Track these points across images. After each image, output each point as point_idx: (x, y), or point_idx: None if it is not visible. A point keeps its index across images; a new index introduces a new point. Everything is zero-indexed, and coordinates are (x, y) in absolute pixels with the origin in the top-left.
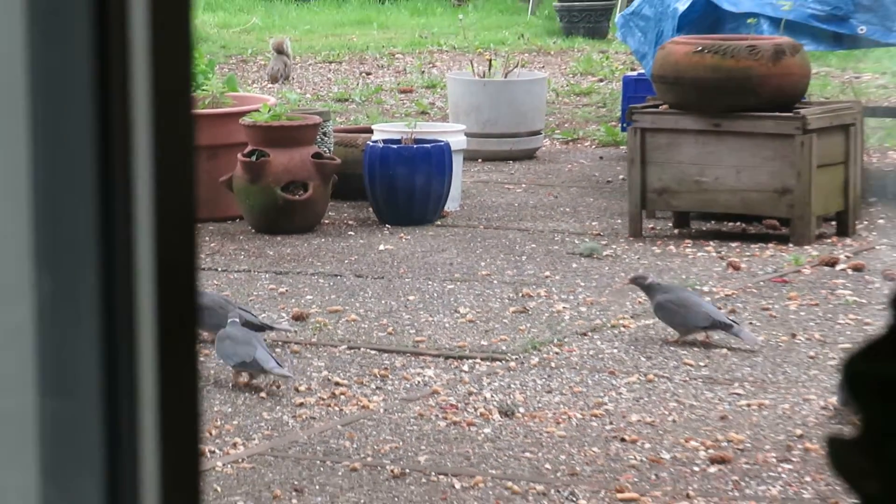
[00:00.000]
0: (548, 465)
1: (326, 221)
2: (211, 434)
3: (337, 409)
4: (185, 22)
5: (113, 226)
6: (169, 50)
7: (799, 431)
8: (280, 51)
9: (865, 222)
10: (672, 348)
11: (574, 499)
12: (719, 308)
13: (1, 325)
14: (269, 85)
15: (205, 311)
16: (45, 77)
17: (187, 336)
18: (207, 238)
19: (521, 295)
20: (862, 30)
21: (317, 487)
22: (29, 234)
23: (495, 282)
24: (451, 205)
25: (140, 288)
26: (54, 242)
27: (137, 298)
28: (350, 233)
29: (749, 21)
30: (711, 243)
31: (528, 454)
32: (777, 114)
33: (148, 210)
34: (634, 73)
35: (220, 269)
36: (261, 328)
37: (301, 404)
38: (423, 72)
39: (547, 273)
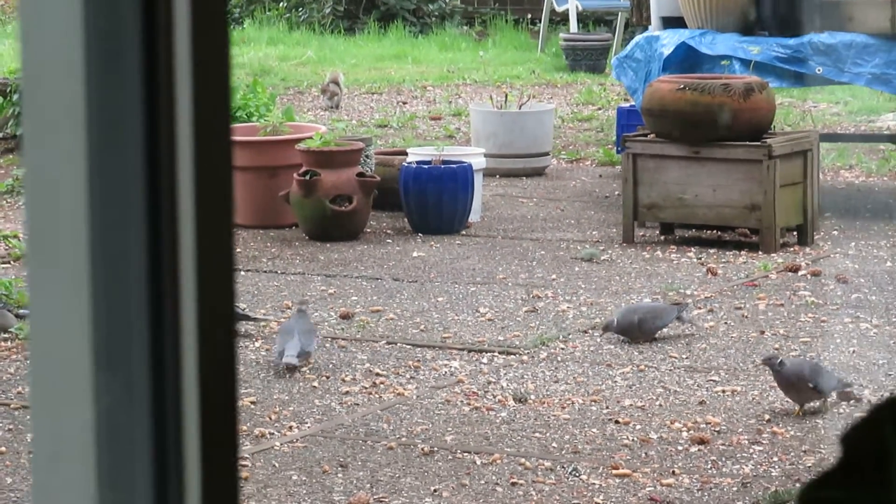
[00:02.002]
0: (554, 444)
1: (368, 230)
2: (271, 419)
3: (377, 396)
4: (225, 65)
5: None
6: (210, 93)
7: (767, 416)
8: (335, 81)
9: (822, 233)
10: (659, 344)
11: (577, 474)
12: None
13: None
14: (322, 112)
15: None
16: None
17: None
18: (269, 244)
19: (531, 296)
20: (819, 70)
21: (359, 463)
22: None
23: (510, 284)
24: (474, 216)
25: (184, 296)
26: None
27: (181, 300)
28: (388, 240)
29: (723, 63)
30: (693, 249)
31: (537, 434)
32: (747, 142)
33: (191, 230)
34: (627, 105)
35: (279, 272)
36: (243, 318)
37: (347, 392)
38: (450, 102)
39: (553, 276)
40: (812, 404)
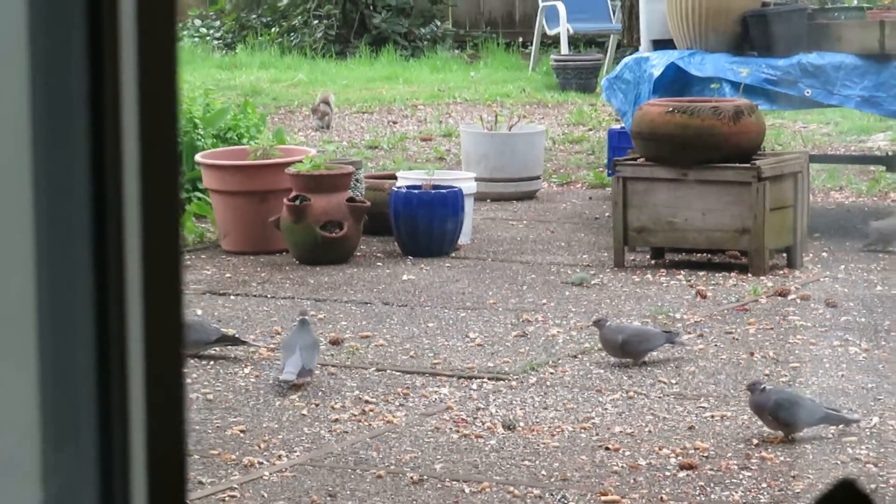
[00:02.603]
0: (543, 472)
1: (358, 254)
2: (260, 447)
3: (366, 423)
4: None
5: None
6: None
7: (756, 441)
8: (326, 101)
9: (811, 255)
10: (648, 368)
11: (565, 501)
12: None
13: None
14: (313, 132)
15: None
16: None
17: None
18: (259, 268)
19: (521, 321)
20: (808, 92)
21: (348, 493)
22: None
23: (500, 309)
24: (464, 239)
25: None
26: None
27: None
28: (378, 264)
29: (713, 86)
30: (682, 272)
31: (526, 462)
32: (737, 165)
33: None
34: (618, 127)
35: (268, 296)
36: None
37: (336, 420)
38: (440, 122)
39: (544, 300)
40: (777, 433)
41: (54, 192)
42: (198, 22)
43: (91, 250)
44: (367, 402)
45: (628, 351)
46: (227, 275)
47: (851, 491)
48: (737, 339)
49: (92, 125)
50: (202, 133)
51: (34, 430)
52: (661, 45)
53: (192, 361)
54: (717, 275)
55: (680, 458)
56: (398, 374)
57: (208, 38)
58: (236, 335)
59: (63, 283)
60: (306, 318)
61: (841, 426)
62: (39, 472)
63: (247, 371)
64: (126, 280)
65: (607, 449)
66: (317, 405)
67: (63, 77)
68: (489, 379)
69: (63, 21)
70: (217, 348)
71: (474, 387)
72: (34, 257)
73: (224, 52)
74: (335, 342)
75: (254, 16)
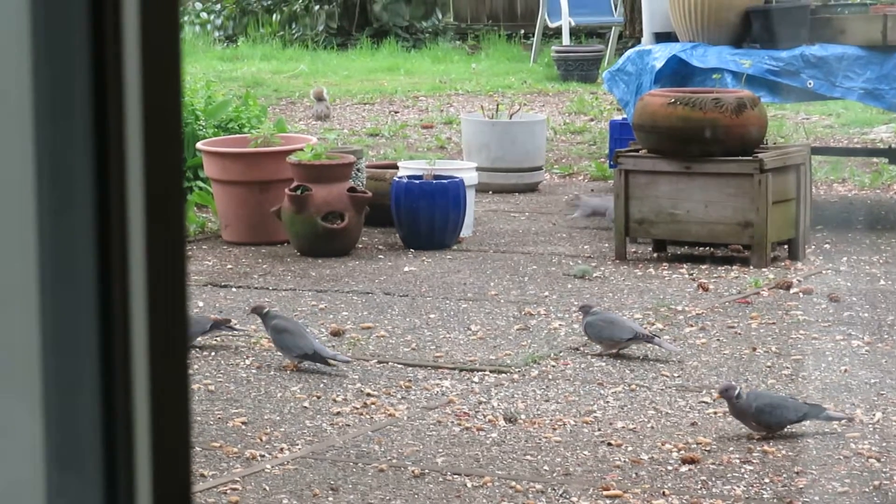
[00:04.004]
0: (546, 467)
1: (360, 246)
2: (261, 440)
3: (368, 416)
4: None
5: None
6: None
7: (758, 435)
8: (320, 98)
9: (813, 247)
10: (651, 362)
11: (567, 496)
12: (644, 325)
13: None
14: (314, 122)
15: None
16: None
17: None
18: (260, 260)
19: (523, 313)
20: (810, 84)
21: (350, 486)
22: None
23: (502, 301)
24: (466, 231)
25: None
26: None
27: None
28: (380, 256)
29: (715, 76)
30: (684, 266)
31: (528, 457)
32: (739, 157)
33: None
34: (620, 118)
35: (270, 288)
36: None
37: (338, 413)
38: (441, 111)
39: (546, 293)
40: (761, 432)
41: (57, 204)
42: (199, 6)
43: (95, 266)
44: (368, 394)
45: (603, 337)
46: (229, 266)
47: None
48: (739, 334)
49: (95, 120)
50: (204, 124)
51: (38, 451)
52: (663, 37)
53: (193, 352)
54: (718, 267)
55: (682, 452)
56: (400, 366)
57: (209, 25)
58: (228, 319)
59: (66, 297)
60: (268, 310)
61: (833, 422)
62: (44, 495)
63: (248, 362)
64: (130, 292)
65: (609, 444)
66: (318, 397)
67: (66, 68)
68: (491, 372)
69: (66, 13)
70: (213, 337)
71: (476, 379)
72: (38, 277)
73: (225, 44)
74: (336, 333)
75: (254, 0)
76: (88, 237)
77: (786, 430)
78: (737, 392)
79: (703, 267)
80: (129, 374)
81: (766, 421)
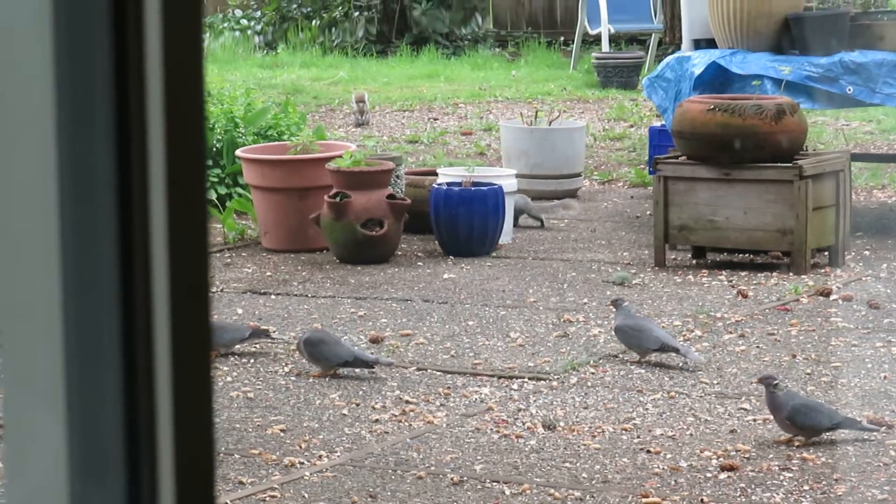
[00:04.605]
0: (584, 474)
1: (399, 253)
2: (300, 447)
3: (407, 424)
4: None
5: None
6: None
7: (797, 442)
8: (361, 101)
9: (853, 253)
10: (690, 370)
11: (606, 503)
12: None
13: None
14: (354, 129)
15: (217, 330)
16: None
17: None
18: (300, 267)
19: (562, 320)
20: (849, 90)
21: (388, 493)
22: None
23: (541, 308)
24: (505, 238)
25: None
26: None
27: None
28: (419, 263)
29: (754, 83)
30: (724, 272)
31: (567, 464)
32: (778, 164)
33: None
34: (659, 125)
35: (309, 295)
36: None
37: (376, 420)
38: (481, 118)
39: (585, 300)
40: (788, 434)
41: (79, 220)
42: (238, 13)
43: (117, 272)
44: (407, 402)
45: (631, 344)
46: (268, 273)
47: None
48: (778, 341)
49: (117, 125)
50: (243, 131)
51: (62, 460)
52: (702, 44)
53: (231, 359)
54: (758, 274)
55: (721, 459)
56: (439, 373)
57: (249, 30)
58: (266, 329)
59: (89, 302)
60: (319, 326)
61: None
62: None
63: (287, 369)
64: (153, 297)
65: (648, 451)
66: (357, 405)
67: (88, 75)
68: (530, 379)
69: (87, 15)
70: (252, 344)
71: (515, 387)
72: (60, 285)
73: (265, 51)
74: (375, 340)
75: (294, 6)
76: (110, 243)
77: (824, 437)
78: (776, 382)
79: (743, 274)
80: (152, 381)
81: (800, 422)
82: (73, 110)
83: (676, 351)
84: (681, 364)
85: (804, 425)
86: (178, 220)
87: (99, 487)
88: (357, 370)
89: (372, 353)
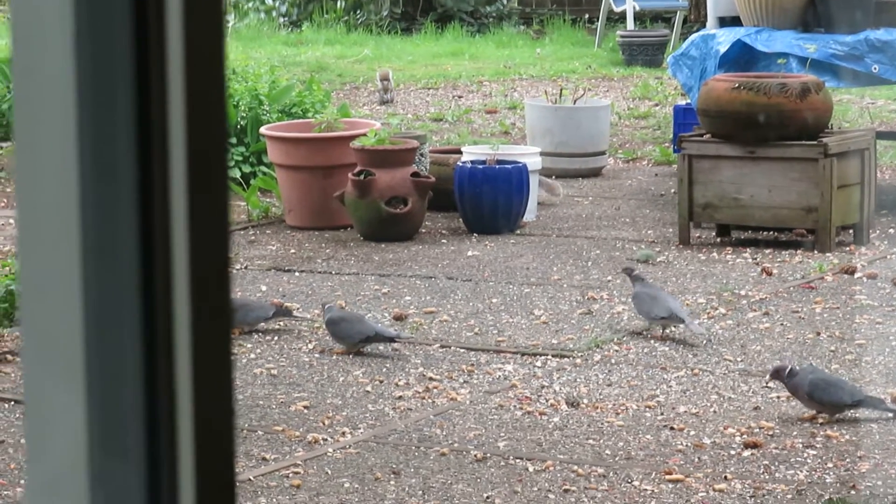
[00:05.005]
0: (608, 451)
1: (423, 230)
2: (324, 424)
3: (430, 401)
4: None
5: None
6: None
7: (821, 419)
8: (385, 79)
9: (878, 231)
10: (714, 346)
11: (629, 480)
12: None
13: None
14: (378, 107)
15: (243, 309)
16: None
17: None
18: (323, 244)
19: (586, 298)
20: (875, 68)
21: (411, 470)
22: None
23: (565, 285)
24: (529, 216)
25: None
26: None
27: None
28: (443, 241)
29: (780, 61)
30: (748, 250)
31: (591, 441)
32: (803, 142)
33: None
34: (684, 103)
35: (333, 273)
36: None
37: (400, 397)
38: (505, 96)
39: (609, 277)
40: (812, 411)
41: (101, 213)
42: None
43: (137, 248)
44: (431, 378)
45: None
46: (292, 250)
47: None
48: (802, 318)
49: (137, 100)
50: (267, 109)
51: (82, 438)
52: (727, 22)
53: (255, 336)
54: (782, 252)
55: (745, 436)
56: (462, 350)
57: (274, 11)
58: (290, 308)
59: (108, 279)
60: (333, 305)
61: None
62: (87, 481)
63: (311, 346)
64: (173, 273)
65: (672, 428)
66: (381, 381)
67: (108, 42)
68: (553, 356)
69: (108, 13)
70: (275, 322)
71: (538, 364)
72: (80, 262)
73: (290, 29)
74: (399, 318)
75: None
76: (131, 220)
77: (848, 415)
78: (788, 370)
79: (767, 251)
80: (172, 356)
81: (819, 397)
82: (94, 87)
83: (682, 321)
84: (719, 339)
85: (823, 400)
86: (199, 197)
87: (119, 464)
88: (381, 346)
89: (394, 330)
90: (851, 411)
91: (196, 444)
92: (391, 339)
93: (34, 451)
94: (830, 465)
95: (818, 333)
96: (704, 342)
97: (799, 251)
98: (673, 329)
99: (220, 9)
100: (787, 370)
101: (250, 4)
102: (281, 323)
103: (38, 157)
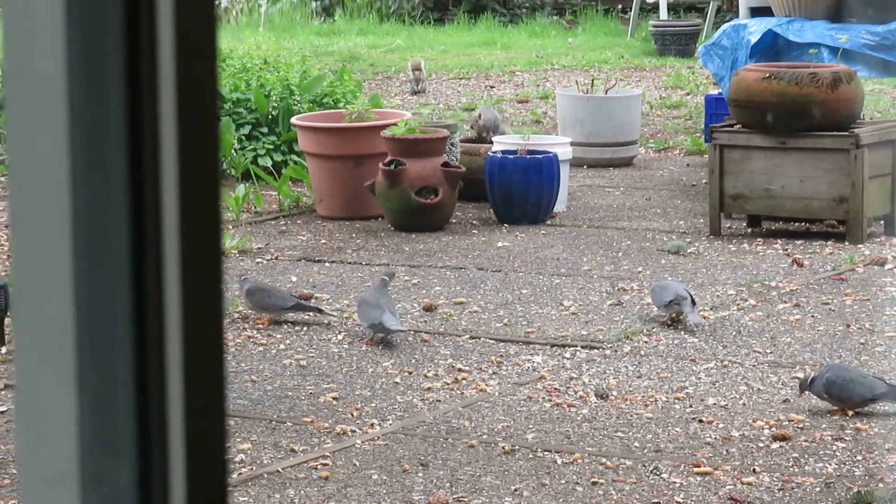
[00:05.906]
0: (636, 443)
1: (453, 221)
2: (352, 415)
3: (459, 392)
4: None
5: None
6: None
7: (851, 412)
8: (417, 69)
9: None
10: (744, 337)
11: (658, 472)
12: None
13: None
14: (410, 97)
15: (263, 293)
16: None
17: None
18: (354, 234)
19: (617, 289)
20: None
21: (440, 462)
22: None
23: (595, 276)
24: (559, 206)
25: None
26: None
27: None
28: (473, 231)
29: (811, 52)
30: (779, 241)
31: (619, 433)
32: (835, 132)
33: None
34: (715, 93)
35: (363, 263)
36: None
37: (428, 389)
38: (538, 85)
39: (639, 268)
40: (835, 407)
41: (91, 204)
42: None
43: (128, 247)
44: (460, 370)
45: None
46: (322, 241)
47: None
48: (833, 310)
49: (128, 99)
50: (299, 99)
51: (74, 436)
52: (759, 12)
53: (285, 327)
54: (813, 243)
55: (774, 429)
56: (491, 341)
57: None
58: (314, 304)
59: (100, 290)
60: (387, 279)
61: None
62: (79, 479)
63: (340, 338)
64: (164, 273)
65: (700, 421)
66: (410, 373)
67: (99, 38)
68: (583, 347)
69: (100, 12)
70: (292, 315)
71: (567, 355)
72: (72, 262)
73: (322, 18)
74: (428, 308)
75: None
76: (122, 218)
77: (878, 408)
78: (809, 380)
79: (798, 242)
80: (163, 355)
81: (837, 394)
82: (85, 85)
83: (680, 305)
84: (748, 330)
85: (841, 397)
86: (190, 194)
87: (112, 461)
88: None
89: (423, 323)
90: (879, 404)
91: (187, 442)
92: (388, 332)
93: (27, 448)
94: (860, 457)
95: (848, 325)
96: (734, 334)
97: (830, 242)
98: (717, 326)
99: (212, 4)
100: (809, 380)
101: None
102: (309, 314)
103: (30, 154)
